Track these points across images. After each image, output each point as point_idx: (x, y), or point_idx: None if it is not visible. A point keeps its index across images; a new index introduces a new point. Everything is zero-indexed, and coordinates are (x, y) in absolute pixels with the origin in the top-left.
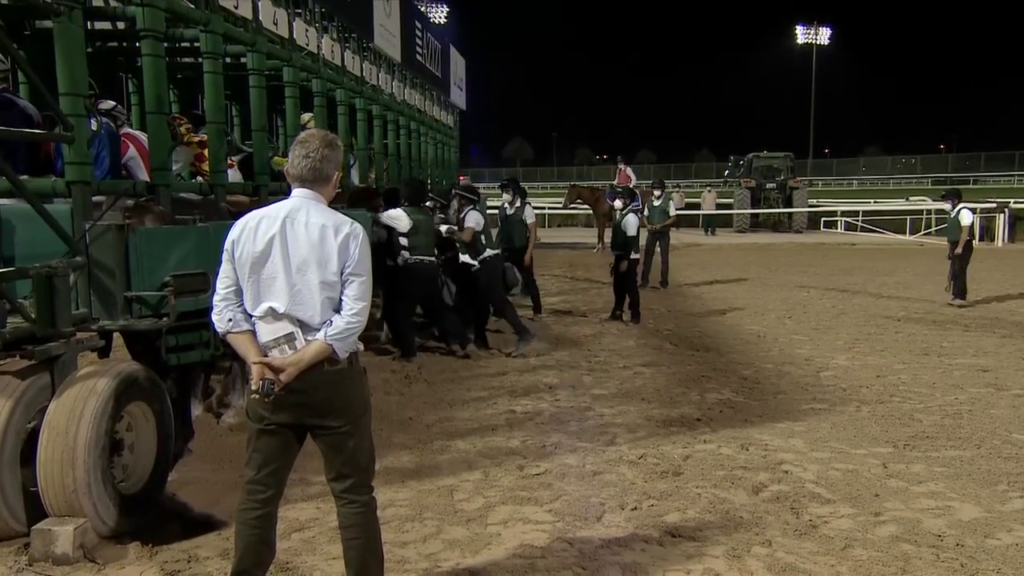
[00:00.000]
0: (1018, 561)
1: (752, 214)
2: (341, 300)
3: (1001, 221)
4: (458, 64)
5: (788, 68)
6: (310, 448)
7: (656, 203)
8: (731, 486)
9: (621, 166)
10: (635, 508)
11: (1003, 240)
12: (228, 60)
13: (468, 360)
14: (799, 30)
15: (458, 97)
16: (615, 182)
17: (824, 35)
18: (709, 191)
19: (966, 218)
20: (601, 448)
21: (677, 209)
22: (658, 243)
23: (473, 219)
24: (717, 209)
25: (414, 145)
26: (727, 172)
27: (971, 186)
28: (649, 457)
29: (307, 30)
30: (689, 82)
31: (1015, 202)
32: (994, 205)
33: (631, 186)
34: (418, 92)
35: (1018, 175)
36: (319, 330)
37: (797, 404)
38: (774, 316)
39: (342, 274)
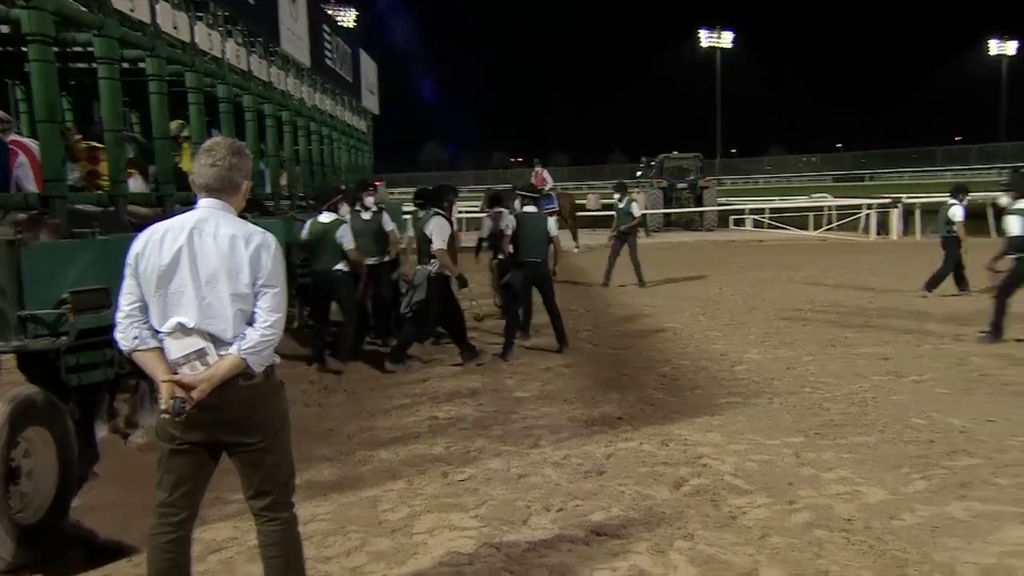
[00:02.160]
0: (921, 539)
1: (664, 213)
2: (254, 313)
3: (895, 216)
4: (370, 69)
5: (694, 71)
6: (226, 465)
7: (621, 205)
8: (653, 482)
9: (537, 168)
10: (560, 509)
11: (898, 233)
12: (126, 65)
13: (388, 367)
14: (703, 34)
15: (370, 102)
16: (531, 184)
17: (727, 39)
18: (638, 192)
19: (957, 214)
20: (525, 451)
21: (641, 211)
22: (625, 244)
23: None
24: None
25: (326, 151)
26: (639, 173)
27: (867, 183)
28: (573, 458)
29: (210, 34)
30: (599, 85)
31: (908, 197)
32: (888, 200)
33: (547, 189)
34: (329, 97)
35: (910, 171)
36: (232, 344)
37: (714, 399)
38: (689, 313)
39: (254, 286)
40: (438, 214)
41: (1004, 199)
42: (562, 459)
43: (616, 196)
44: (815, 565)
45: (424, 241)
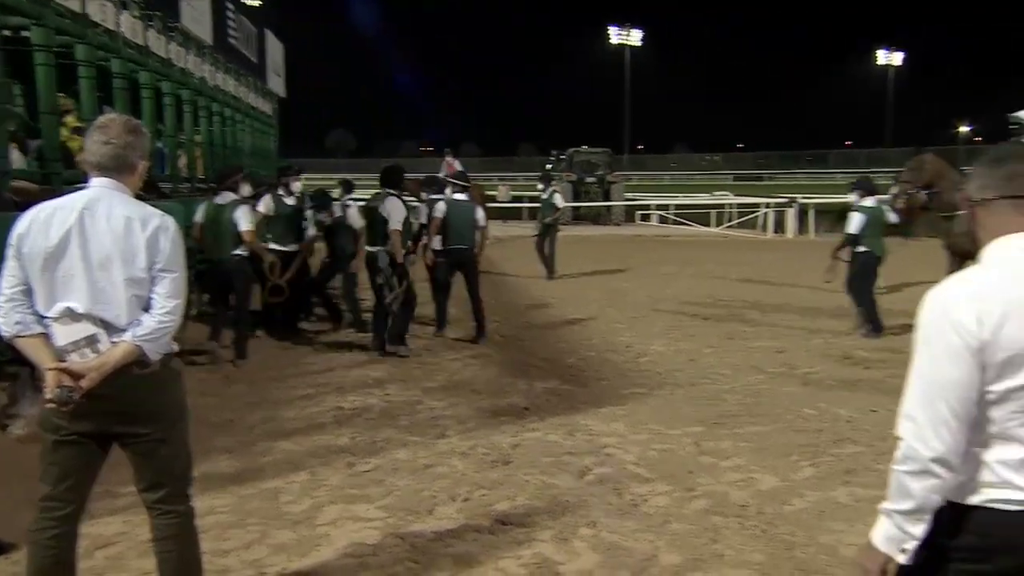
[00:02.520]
0: (808, 523)
1: (573, 207)
2: (151, 298)
3: (791, 215)
4: (275, 50)
5: (604, 67)
6: (116, 457)
7: (544, 196)
8: (558, 471)
9: (448, 158)
10: (466, 499)
11: (794, 232)
12: (7, 33)
13: (294, 357)
14: (612, 31)
15: (276, 84)
16: (442, 175)
17: (636, 37)
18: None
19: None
20: (432, 441)
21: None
22: (547, 235)
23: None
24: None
25: (229, 133)
26: (549, 167)
27: (765, 182)
28: (479, 448)
29: (103, 5)
30: (511, 78)
31: (803, 197)
32: (785, 200)
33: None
34: (232, 77)
35: (805, 173)
36: (126, 331)
37: (618, 389)
38: (596, 305)
39: (151, 270)
40: (392, 195)
41: (852, 196)
42: (469, 449)
43: (539, 187)
44: (711, 549)
45: (379, 222)
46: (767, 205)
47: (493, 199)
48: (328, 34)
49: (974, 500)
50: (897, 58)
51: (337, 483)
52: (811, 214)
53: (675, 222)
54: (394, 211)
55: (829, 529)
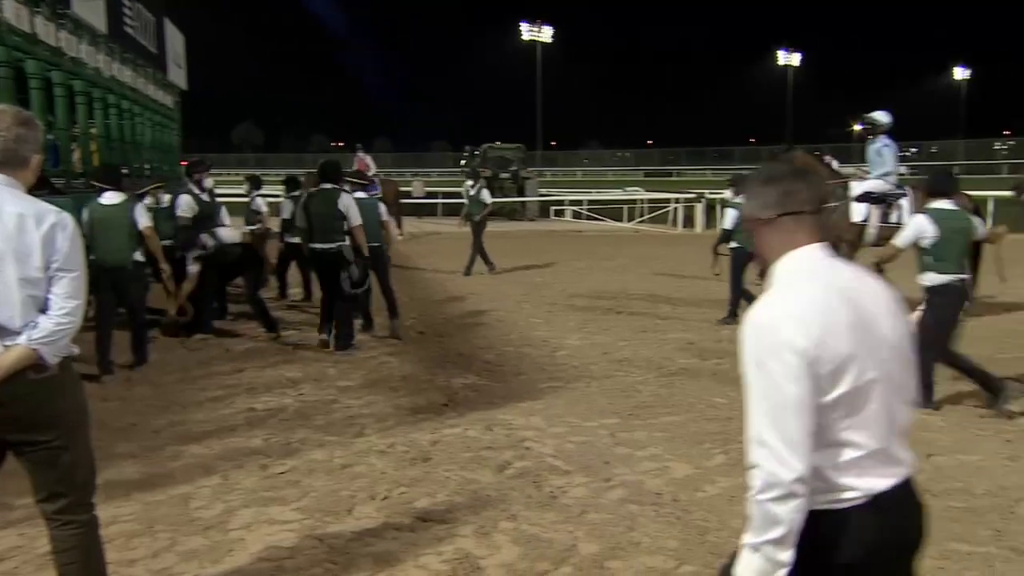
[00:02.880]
0: (720, 508)
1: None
2: (48, 299)
3: (700, 210)
4: (176, 40)
5: (516, 63)
6: (10, 467)
7: (471, 192)
8: (478, 466)
9: (360, 154)
10: (386, 497)
11: (702, 227)
12: None
13: (202, 358)
14: (524, 27)
15: (178, 76)
16: (353, 170)
17: (547, 33)
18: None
19: None
20: (350, 440)
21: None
22: (477, 231)
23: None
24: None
25: (127, 126)
26: (463, 162)
27: (674, 178)
28: (398, 445)
29: None
30: (423, 73)
31: (710, 193)
32: (694, 195)
33: (370, 175)
34: (129, 68)
35: (712, 169)
36: (20, 334)
37: (536, 383)
38: (513, 300)
39: (48, 270)
40: (345, 191)
41: (728, 193)
42: (387, 447)
43: (468, 183)
44: (628, 537)
45: (334, 218)
46: (676, 200)
47: (407, 195)
48: (234, 25)
49: (816, 507)
50: (796, 58)
51: (250, 486)
52: (718, 209)
53: (588, 217)
54: (351, 207)
55: (740, 513)
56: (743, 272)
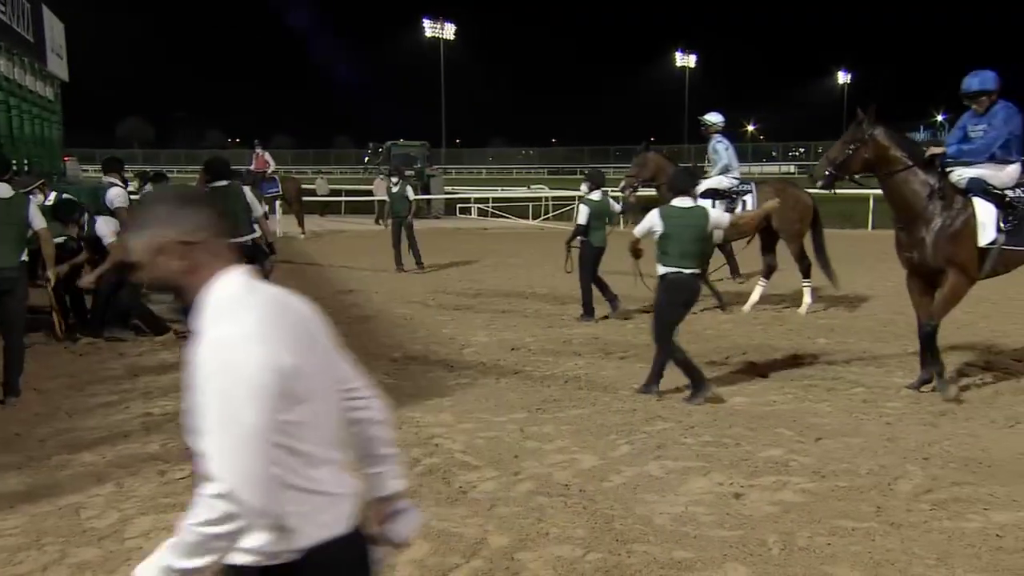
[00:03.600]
0: (625, 497)
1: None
2: None
3: None
4: (55, 29)
5: (419, 60)
6: None
7: (394, 190)
8: None
9: (258, 151)
10: None
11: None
12: None
13: (92, 364)
14: (426, 23)
15: (57, 66)
16: (252, 167)
17: (449, 30)
18: (381, 179)
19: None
20: None
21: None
22: (403, 228)
23: None
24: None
25: (3, 119)
26: (366, 159)
27: (578, 176)
28: None
29: None
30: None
31: (613, 191)
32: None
33: (269, 171)
34: (3, 57)
35: (614, 167)
36: None
37: (445, 380)
38: (419, 299)
39: None
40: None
41: (583, 187)
42: None
43: (393, 180)
44: (537, 528)
45: (245, 211)
46: (580, 198)
47: (311, 193)
48: (124, 14)
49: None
50: (691, 60)
51: (147, 493)
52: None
53: (494, 215)
54: (254, 200)
55: (643, 500)
56: (595, 267)
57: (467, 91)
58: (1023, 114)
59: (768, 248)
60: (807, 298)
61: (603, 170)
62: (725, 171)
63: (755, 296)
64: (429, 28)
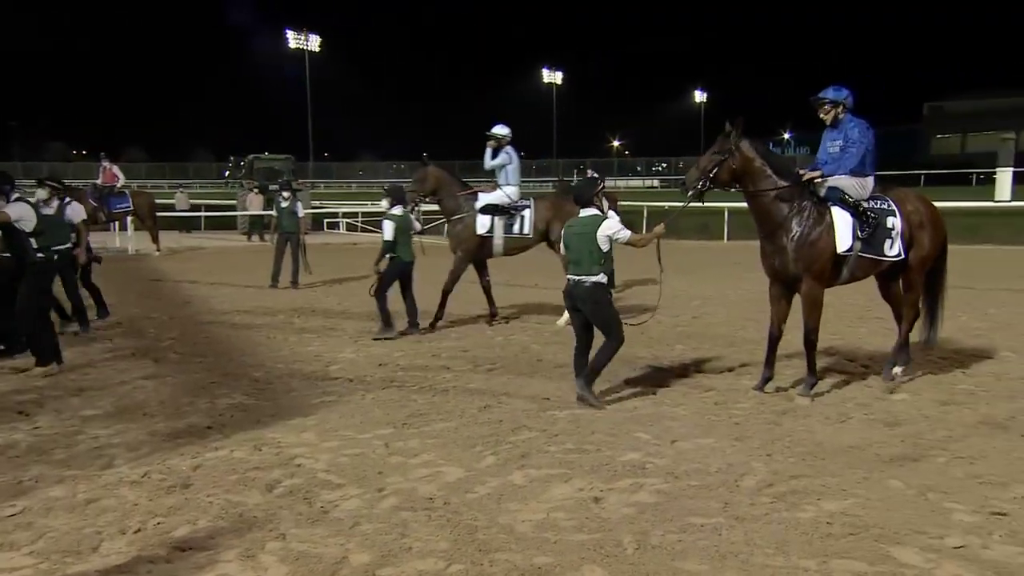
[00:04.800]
0: (489, 507)
1: (258, 215)
2: None
3: None
4: None
5: (284, 72)
6: None
7: (284, 204)
8: (244, 488)
9: (105, 163)
10: (139, 530)
11: None
12: None
13: None
14: (289, 35)
15: None
16: (99, 181)
17: (315, 42)
18: (255, 193)
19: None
20: (96, 473)
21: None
22: (289, 243)
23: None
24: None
25: None
26: (227, 173)
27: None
28: (154, 474)
29: None
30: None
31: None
32: None
33: (119, 185)
34: None
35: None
36: None
37: (308, 399)
38: (282, 316)
39: None
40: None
41: (384, 203)
42: (141, 477)
43: (284, 195)
44: (400, 544)
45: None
46: (383, 215)
47: (168, 208)
48: None
49: None
50: (558, 77)
51: None
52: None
53: (363, 230)
54: (77, 213)
55: (507, 510)
56: (407, 282)
57: (336, 104)
58: (873, 130)
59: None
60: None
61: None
62: (507, 186)
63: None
64: (293, 39)
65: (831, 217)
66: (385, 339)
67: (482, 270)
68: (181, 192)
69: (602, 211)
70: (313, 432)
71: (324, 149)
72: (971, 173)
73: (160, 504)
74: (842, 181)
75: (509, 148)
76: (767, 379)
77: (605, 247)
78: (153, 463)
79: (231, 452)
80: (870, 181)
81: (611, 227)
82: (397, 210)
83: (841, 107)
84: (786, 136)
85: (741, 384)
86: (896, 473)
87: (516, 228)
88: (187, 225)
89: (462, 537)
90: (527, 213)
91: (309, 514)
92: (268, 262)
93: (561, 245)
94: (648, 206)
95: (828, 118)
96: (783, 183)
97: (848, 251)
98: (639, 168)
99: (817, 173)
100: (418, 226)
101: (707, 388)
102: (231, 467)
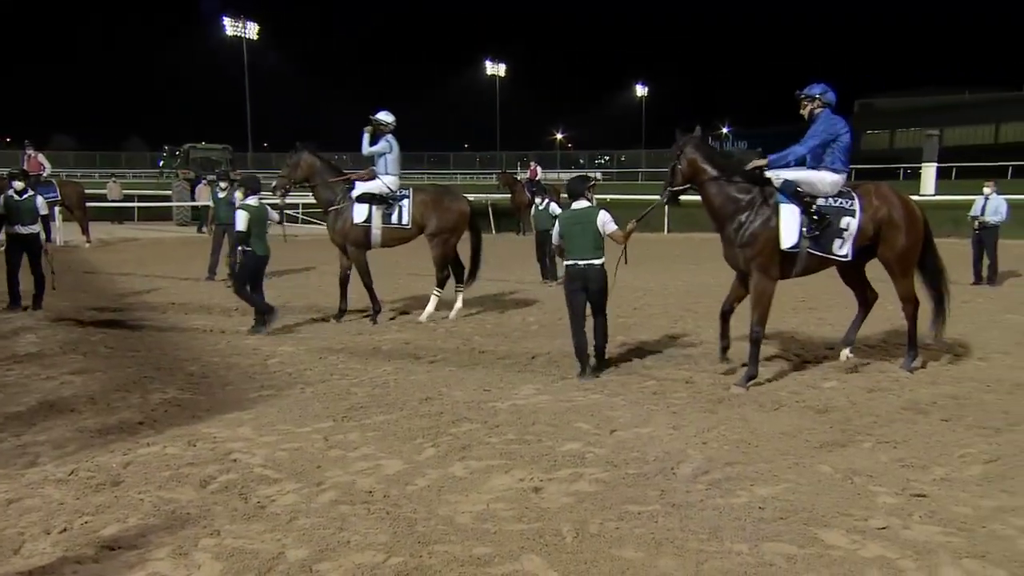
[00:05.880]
0: (429, 499)
1: (192, 207)
2: None
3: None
4: None
5: (220, 59)
6: None
7: (221, 195)
8: (177, 484)
9: (30, 151)
10: (65, 530)
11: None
12: None
13: None
14: (227, 22)
15: None
16: (25, 168)
17: (253, 30)
18: (204, 184)
19: (554, 208)
20: (18, 472)
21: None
22: (226, 235)
23: None
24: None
25: None
26: (161, 163)
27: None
28: (82, 471)
29: None
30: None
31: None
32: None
33: (45, 175)
34: None
35: (429, 172)
36: None
37: (246, 393)
38: (219, 309)
39: None
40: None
41: (237, 194)
42: (68, 475)
43: (221, 185)
44: (338, 538)
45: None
46: (237, 205)
47: (99, 198)
48: None
49: None
50: (501, 69)
51: None
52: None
53: (304, 222)
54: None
55: (447, 501)
56: (248, 277)
57: (276, 93)
58: (847, 122)
59: (459, 261)
60: (430, 307)
61: (415, 176)
62: (387, 174)
63: (458, 303)
64: (230, 27)
65: (777, 214)
66: (264, 332)
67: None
68: (113, 181)
69: (592, 203)
70: (250, 427)
71: (263, 139)
72: (899, 168)
73: (88, 503)
74: (802, 175)
75: (390, 136)
76: (724, 348)
77: (603, 233)
78: (81, 461)
79: (164, 448)
80: (838, 177)
81: (605, 217)
82: (252, 200)
83: (817, 102)
84: (724, 131)
85: (679, 374)
86: (825, 458)
87: (394, 218)
88: (120, 216)
89: (401, 529)
90: (405, 204)
91: (245, 510)
92: (204, 254)
93: (555, 234)
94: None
95: (804, 112)
96: (736, 179)
97: (793, 248)
98: (582, 161)
99: (762, 163)
100: (276, 216)
101: (646, 379)
102: (164, 463)
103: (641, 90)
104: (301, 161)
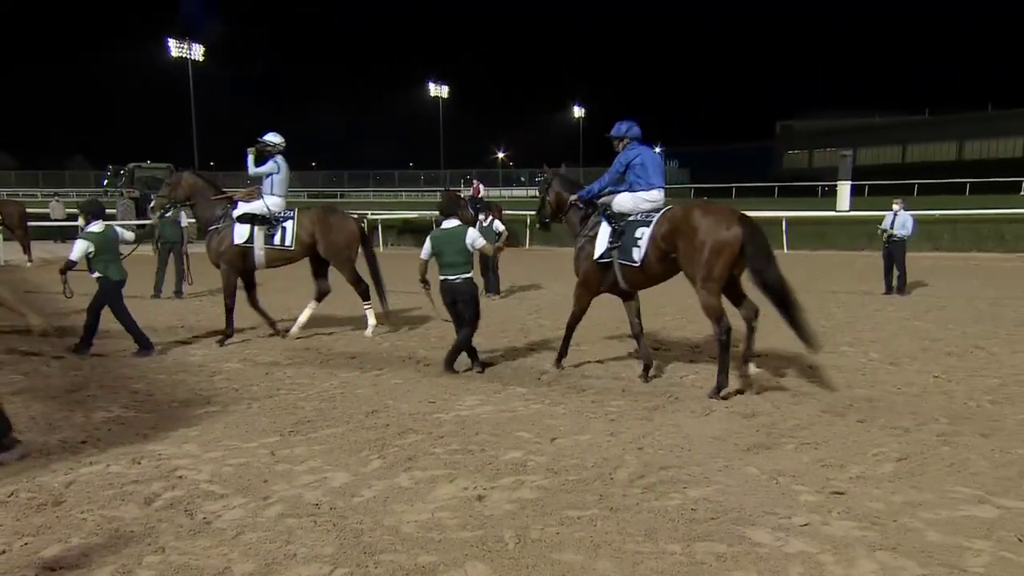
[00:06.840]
0: (375, 510)
1: (139, 225)
2: None
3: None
4: None
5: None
6: None
7: (167, 215)
8: (121, 503)
9: None
10: (3, 551)
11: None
12: None
13: None
14: (172, 43)
15: None
16: None
17: (198, 51)
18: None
19: (497, 226)
20: None
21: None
22: (172, 253)
23: None
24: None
25: None
26: (105, 182)
27: (337, 199)
28: (22, 492)
29: None
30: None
31: (373, 213)
32: (356, 216)
33: None
34: None
35: (374, 190)
36: None
37: (192, 410)
38: (166, 327)
39: None
40: None
41: (80, 221)
42: (7, 496)
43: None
44: (284, 551)
45: None
46: (79, 231)
47: (41, 217)
48: None
49: None
50: (444, 91)
51: None
52: (380, 228)
53: None
54: None
55: (393, 512)
56: (105, 303)
57: (222, 113)
58: (641, 152)
59: (319, 273)
60: (371, 319)
61: (362, 193)
62: (272, 195)
63: (303, 318)
64: (175, 48)
65: (598, 230)
66: (77, 356)
67: (251, 288)
68: (57, 201)
69: (468, 223)
70: (196, 443)
71: (209, 159)
72: (817, 185)
73: (28, 523)
74: (617, 198)
75: (279, 157)
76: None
77: (471, 250)
78: (21, 481)
79: (107, 467)
80: (649, 196)
81: (473, 235)
82: (96, 227)
83: (625, 140)
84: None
85: (615, 384)
86: (752, 460)
87: (277, 239)
88: (63, 235)
89: (348, 541)
90: (289, 224)
91: (190, 526)
92: (150, 272)
93: (424, 251)
94: (531, 215)
95: (618, 149)
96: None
97: (602, 258)
98: (523, 178)
99: (574, 197)
100: (129, 236)
101: (584, 388)
102: (107, 482)
103: (579, 111)
104: (182, 181)
